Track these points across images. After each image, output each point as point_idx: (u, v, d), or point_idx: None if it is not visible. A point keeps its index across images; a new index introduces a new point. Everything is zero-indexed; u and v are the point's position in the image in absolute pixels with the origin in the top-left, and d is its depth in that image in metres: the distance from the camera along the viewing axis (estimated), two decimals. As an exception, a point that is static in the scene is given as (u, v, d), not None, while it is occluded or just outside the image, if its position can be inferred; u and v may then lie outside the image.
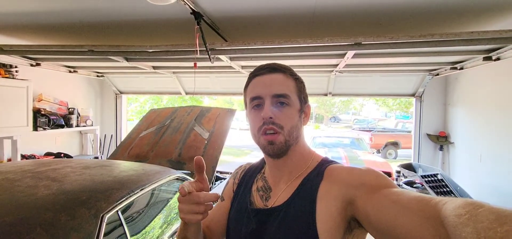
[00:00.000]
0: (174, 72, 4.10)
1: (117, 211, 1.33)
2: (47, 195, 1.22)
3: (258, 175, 0.83)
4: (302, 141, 0.75)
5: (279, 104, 0.70)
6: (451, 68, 3.14)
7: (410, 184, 3.39)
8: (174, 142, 3.36)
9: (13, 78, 3.31)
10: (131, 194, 1.46)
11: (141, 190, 1.54)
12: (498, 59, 2.47)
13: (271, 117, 0.68)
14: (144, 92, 5.06)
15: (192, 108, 3.73)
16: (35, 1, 2.04)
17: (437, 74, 3.58)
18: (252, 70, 0.77)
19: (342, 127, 23.33)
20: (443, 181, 2.85)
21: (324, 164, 0.72)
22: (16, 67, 3.34)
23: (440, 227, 0.44)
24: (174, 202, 2.00)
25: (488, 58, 2.50)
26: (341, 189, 0.63)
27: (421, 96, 4.05)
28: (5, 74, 3.22)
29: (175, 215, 1.92)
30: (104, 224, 1.20)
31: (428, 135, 4.05)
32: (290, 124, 0.70)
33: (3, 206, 1.11)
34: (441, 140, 3.96)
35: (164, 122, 3.64)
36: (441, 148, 3.99)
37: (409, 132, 11.83)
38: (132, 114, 12.14)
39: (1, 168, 1.63)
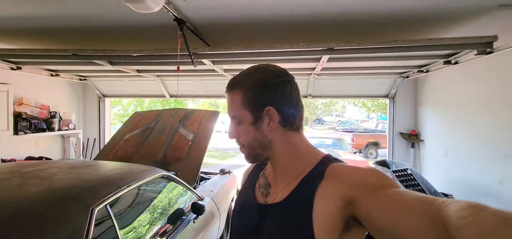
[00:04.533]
0: (158, 75, 4.17)
1: (106, 205, 1.42)
2: (37, 191, 1.30)
3: (260, 172, 0.85)
4: (284, 144, 0.73)
5: (235, 124, 0.74)
6: (418, 71, 3.40)
7: (384, 179, 3.62)
8: (159, 144, 3.43)
9: (-7, 82, 3.28)
10: (118, 190, 1.55)
11: (128, 187, 1.63)
12: (456, 62, 2.73)
13: (233, 138, 0.75)
14: (128, 95, 5.07)
15: (176, 111, 3.80)
16: (18, 6, 2.08)
17: (407, 77, 3.85)
18: (234, 74, 0.81)
19: (326, 128, 23.82)
20: (412, 175, 3.08)
21: (326, 162, 0.70)
22: (-5, 71, 3.31)
23: (442, 229, 0.43)
24: (159, 198, 2.10)
25: (448, 62, 2.76)
26: (342, 188, 0.62)
27: (394, 98, 4.32)
28: (-15, 78, 3.19)
29: (161, 211, 2.01)
30: (94, 216, 1.29)
31: (401, 133, 4.33)
32: (247, 140, 0.73)
33: (-4, 201, 1.18)
34: (413, 138, 4.25)
35: (149, 124, 3.69)
36: (412, 145, 4.28)
37: (388, 132, 12.30)
38: (114, 117, 11.93)
39: (-14, 170, 1.68)
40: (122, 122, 11.99)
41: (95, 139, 5.02)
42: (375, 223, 0.55)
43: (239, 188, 0.93)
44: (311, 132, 20.34)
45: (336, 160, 0.71)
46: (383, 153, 11.83)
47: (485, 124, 2.92)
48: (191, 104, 14.46)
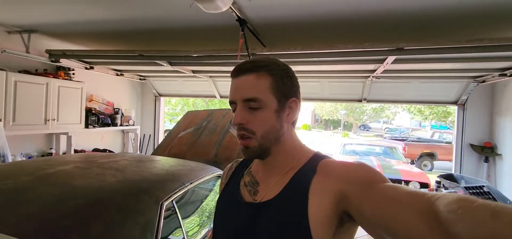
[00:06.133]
0: (210, 77, 4.29)
1: (172, 200, 1.45)
2: (115, 181, 1.38)
3: (244, 170, 0.82)
4: (288, 138, 0.72)
5: (250, 109, 0.68)
6: (500, 75, 2.97)
7: (452, 195, 3.23)
8: (210, 143, 3.51)
9: (70, 80, 3.68)
10: (183, 187, 1.58)
11: (190, 184, 1.66)
12: (555, 65, 2.31)
13: (241, 123, 0.68)
14: (181, 95, 5.32)
15: (227, 111, 3.86)
16: (95, 11, 2.28)
17: (483, 81, 3.39)
18: None
19: (372, 135, 22.53)
20: (490, 194, 2.69)
21: (317, 158, 0.71)
22: (73, 70, 3.71)
23: (434, 222, 0.44)
24: (214, 196, 2.12)
25: (544, 65, 2.35)
26: (334, 183, 0.62)
27: (464, 105, 3.85)
28: (65, 76, 3.58)
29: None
30: (163, 210, 1.33)
31: (472, 145, 3.83)
32: (263, 128, 0.68)
33: (82, 188, 1.27)
34: (487, 151, 3.73)
35: (201, 124, 3.81)
36: (486, 160, 3.75)
37: (449, 143, 11.16)
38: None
39: (68, 158, 1.85)
40: (170, 120, 12.78)
41: (150, 135, 5.36)
42: (367, 218, 0.56)
43: (220, 184, 0.91)
44: (356, 138, 19.36)
45: (326, 157, 0.72)
46: (440, 165, 10.74)
47: None
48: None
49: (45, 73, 3.40)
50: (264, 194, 0.71)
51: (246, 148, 0.69)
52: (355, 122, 23.72)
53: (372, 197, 0.55)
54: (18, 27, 2.70)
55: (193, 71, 3.88)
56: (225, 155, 3.39)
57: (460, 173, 3.84)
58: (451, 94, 3.83)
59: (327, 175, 0.65)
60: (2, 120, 2.85)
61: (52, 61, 3.14)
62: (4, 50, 2.79)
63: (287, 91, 0.71)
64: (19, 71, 3.12)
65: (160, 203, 1.34)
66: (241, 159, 0.91)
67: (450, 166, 4.64)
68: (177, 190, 1.51)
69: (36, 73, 3.31)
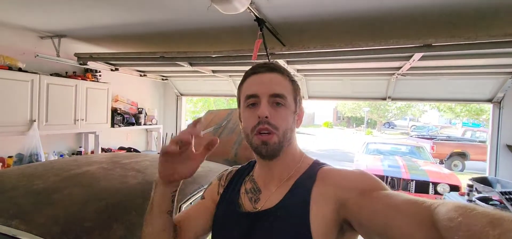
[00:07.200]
0: (230, 76, 4.31)
1: (191, 202, 1.47)
2: (136, 183, 1.41)
3: (246, 177, 0.81)
4: (294, 142, 0.75)
5: (275, 104, 0.70)
6: (542, 71, 2.72)
7: (485, 200, 3.01)
8: (230, 142, 3.53)
9: (97, 81, 3.85)
10: (201, 189, 1.60)
11: (209, 186, 1.67)
12: None
13: (267, 117, 0.67)
14: (202, 94, 5.40)
15: (246, 111, 3.88)
16: (118, 15, 2.34)
17: (523, 77, 3.13)
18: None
19: (397, 133, 21.68)
20: (530, 200, 2.48)
21: (316, 166, 0.72)
22: (99, 72, 3.87)
23: (432, 230, 0.44)
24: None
25: None
26: (334, 191, 0.63)
27: (500, 103, 3.57)
28: (92, 78, 3.75)
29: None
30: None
31: (509, 147, 3.55)
32: (285, 125, 0.69)
33: (104, 190, 1.31)
34: (526, 152, 3.44)
35: (221, 123, 3.84)
36: (525, 162, 3.47)
37: (482, 142, 10.46)
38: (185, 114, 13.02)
39: (94, 158, 1.92)
40: (192, 118, 13.06)
41: (172, 133, 5.49)
42: (366, 226, 0.56)
43: (212, 184, 0.91)
44: (381, 136, 18.70)
45: (325, 164, 0.73)
46: (472, 166, 10.12)
47: None
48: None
49: (74, 75, 3.58)
50: (264, 202, 0.71)
51: (265, 144, 0.68)
52: (379, 120, 22.92)
53: (370, 205, 0.56)
54: (49, 33, 2.85)
55: (213, 71, 3.91)
56: (245, 155, 3.39)
57: (495, 175, 3.58)
58: (485, 92, 3.57)
59: (326, 183, 0.66)
60: (36, 121, 3.04)
61: (80, 64, 3.30)
62: (37, 55, 2.97)
63: (299, 96, 0.77)
64: (51, 74, 3.31)
65: (179, 205, 1.36)
66: (239, 166, 0.91)
67: (484, 167, 4.35)
68: (196, 192, 1.53)
69: (66, 75, 3.50)
